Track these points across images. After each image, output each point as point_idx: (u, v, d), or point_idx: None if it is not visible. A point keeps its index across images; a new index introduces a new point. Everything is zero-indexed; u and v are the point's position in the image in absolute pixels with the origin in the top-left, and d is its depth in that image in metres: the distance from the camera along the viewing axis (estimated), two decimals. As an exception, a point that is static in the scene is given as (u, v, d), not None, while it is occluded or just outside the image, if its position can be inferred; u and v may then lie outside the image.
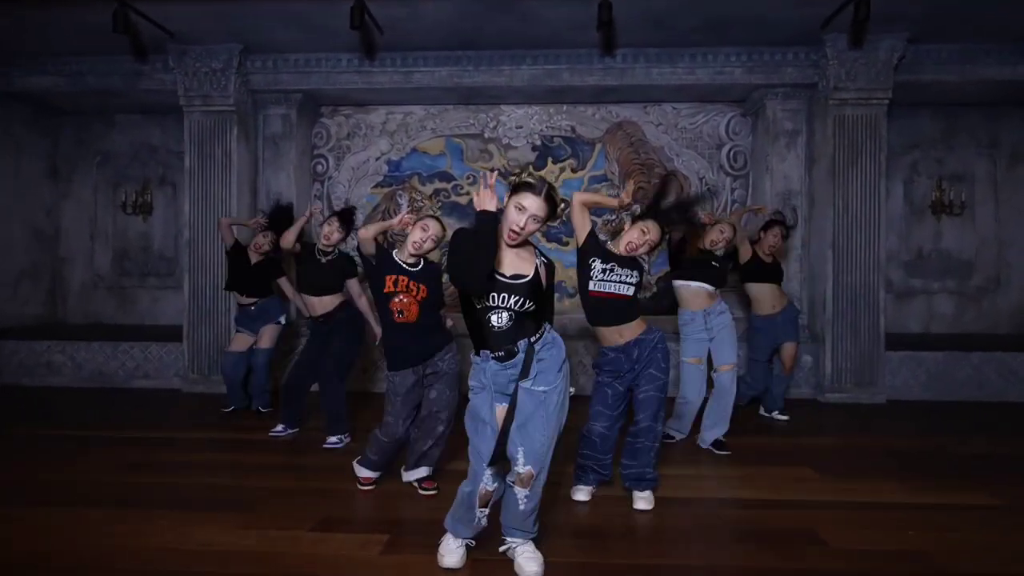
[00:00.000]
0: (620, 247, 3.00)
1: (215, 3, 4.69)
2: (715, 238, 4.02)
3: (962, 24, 4.95)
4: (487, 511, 2.30)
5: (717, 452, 3.85)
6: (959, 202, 6.09)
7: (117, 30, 4.49)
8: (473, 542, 2.40)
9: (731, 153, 6.10)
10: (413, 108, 6.21)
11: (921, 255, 6.25)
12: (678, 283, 4.05)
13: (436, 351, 3.07)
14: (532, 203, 2.19)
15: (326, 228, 4.05)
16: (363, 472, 3.21)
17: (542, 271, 2.29)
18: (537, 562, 2.26)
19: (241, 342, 4.79)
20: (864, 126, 5.28)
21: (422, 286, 3.03)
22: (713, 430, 3.94)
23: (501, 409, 2.25)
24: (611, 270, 2.92)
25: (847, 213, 5.29)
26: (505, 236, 2.24)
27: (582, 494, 3.05)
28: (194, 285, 5.59)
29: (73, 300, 6.71)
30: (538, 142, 6.11)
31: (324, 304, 4.04)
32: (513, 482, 2.23)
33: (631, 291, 2.94)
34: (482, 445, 2.24)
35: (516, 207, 2.20)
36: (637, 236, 2.97)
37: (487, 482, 2.24)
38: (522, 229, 2.20)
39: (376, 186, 6.28)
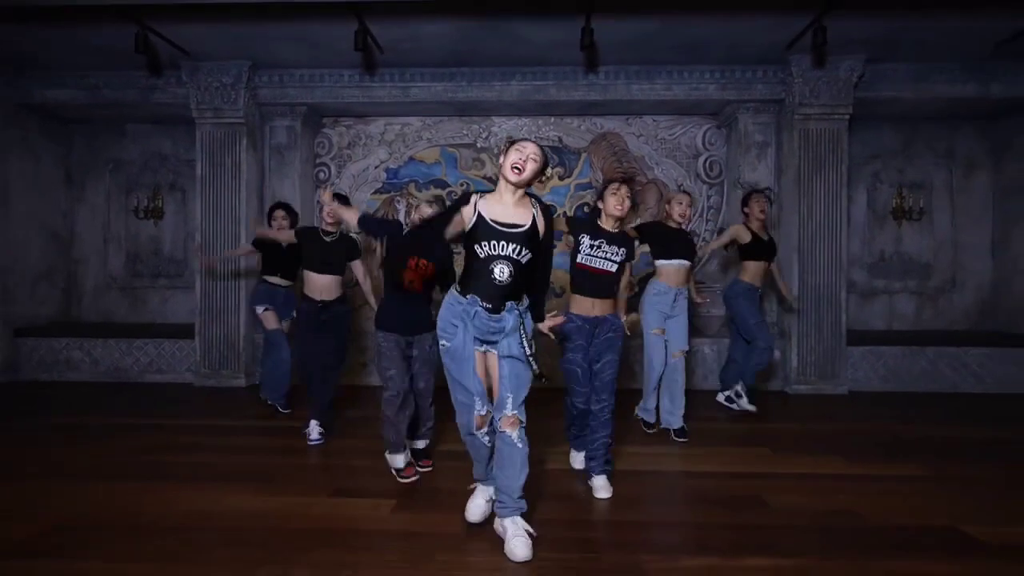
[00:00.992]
0: (607, 221, 3.28)
1: (227, 23, 5.07)
2: (683, 211, 4.20)
3: (915, 46, 5.40)
4: (486, 431, 2.57)
5: (677, 439, 4.16)
6: (918, 208, 6.56)
7: (138, 50, 4.90)
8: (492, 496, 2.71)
9: (707, 162, 6.54)
10: (410, 120, 6.62)
11: (883, 258, 6.72)
12: (660, 262, 4.27)
13: (423, 329, 3.39)
14: (530, 146, 2.50)
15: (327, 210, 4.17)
16: (396, 461, 3.36)
17: (539, 220, 2.54)
18: (526, 545, 2.41)
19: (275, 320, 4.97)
20: (827, 139, 5.74)
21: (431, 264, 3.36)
22: (676, 414, 4.24)
23: (479, 353, 2.55)
24: (598, 246, 3.23)
25: (811, 219, 5.74)
26: (508, 174, 2.48)
27: (579, 461, 3.48)
28: (205, 285, 5.98)
29: (87, 300, 7.07)
30: (527, 152, 6.51)
31: (327, 286, 4.15)
32: (502, 428, 2.48)
33: (615, 268, 3.23)
34: (467, 380, 2.51)
35: (516, 150, 2.49)
36: (613, 200, 3.24)
37: (479, 408, 2.53)
38: (523, 164, 2.46)
39: (375, 192, 6.68)
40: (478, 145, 6.61)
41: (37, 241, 6.61)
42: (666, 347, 4.24)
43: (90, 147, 7.02)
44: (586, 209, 6.36)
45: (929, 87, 5.81)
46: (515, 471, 2.50)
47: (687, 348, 4.32)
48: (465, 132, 6.63)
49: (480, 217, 2.49)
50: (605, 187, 3.31)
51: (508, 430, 2.48)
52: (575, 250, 3.29)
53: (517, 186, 2.51)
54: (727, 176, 6.47)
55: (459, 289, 2.56)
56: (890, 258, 6.71)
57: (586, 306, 3.26)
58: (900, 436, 4.34)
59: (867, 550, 2.52)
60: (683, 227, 4.29)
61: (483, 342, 2.55)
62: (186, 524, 2.75)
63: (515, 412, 2.49)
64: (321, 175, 6.70)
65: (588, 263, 3.24)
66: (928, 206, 6.64)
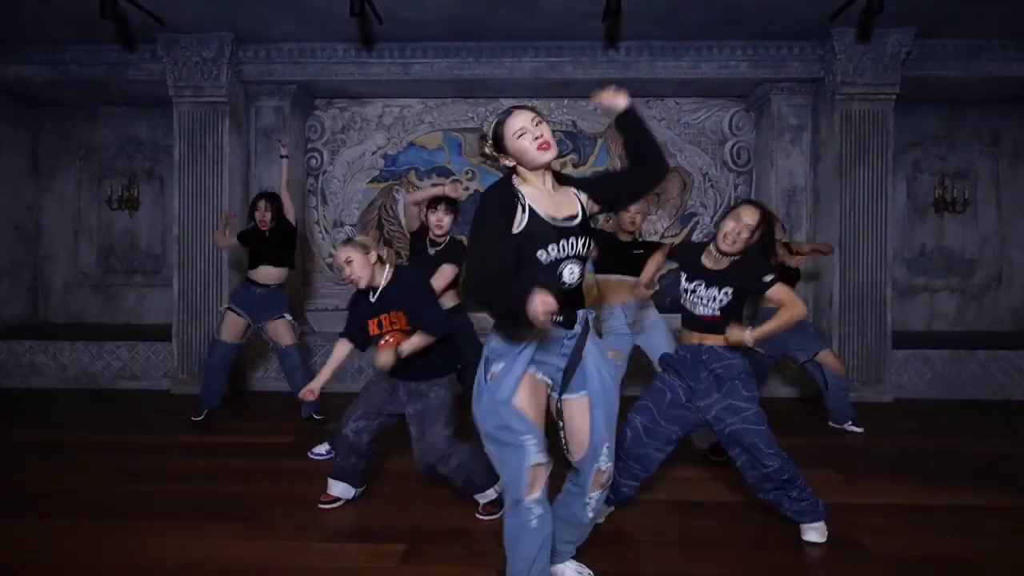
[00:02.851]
0: (709, 257, 2.58)
1: (206, -12, 4.52)
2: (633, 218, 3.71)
3: (967, 20, 4.90)
4: (539, 497, 1.83)
5: (713, 458, 3.59)
6: (962, 199, 6.07)
7: (104, 16, 4.29)
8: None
9: (734, 149, 6.02)
10: (410, 101, 6.06)
11: (924, 253, 6.22)
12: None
13: (422, 378, 2.79)
14: (526, 115, 1.88)
15: (434, 216, 3.63)
16: (332, 487, 2.94)
17: (582, 200, 1.99)
18: None
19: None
20: (871, 121, 5.22)
21: (394, 314, 2.76)
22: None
23: (530, 377, 1.90)
24: (692, 290, 2.56)
25: (854, 210, 5.22)
26: (537, 158, 1.86)
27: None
28: (184, 283, 5.38)
29: (56, 299, 6.47)
30: (538, 137, 5.98)
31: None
32: (592, 491, 1.98)
33: (717, 313, 2.50)
34: (515, 422, 1.82)
35: (520, 133, 1.86)
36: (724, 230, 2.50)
37: (534, 456, 1.80)
38: (542, 135, 1.86)
39: (372, 181, 6.11)
40: (485, 129, 6.04)
41: (3, 236, 6.00)
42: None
43: (59, 131, 6.41)
44: None
45: (980, 65, 5.30)
46: (582, 531, 2.12)
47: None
48: (471, 115, 6.07)
49: (533, 215, 1.86)
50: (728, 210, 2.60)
51: (594, 492, 1.98)
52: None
53: (551, 164, 1.93)
54: (756, 164, 5.95)
55: None
56: (931, 253, 6.21)
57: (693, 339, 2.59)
58: (978, 455, 3.81)
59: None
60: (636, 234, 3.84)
61: (541, 367, 1.92)
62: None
63: (609, 465, 1.96)
64: (313, 162, 6.12)
65: (685, 304, 2.60)
66: (972, 197, 6.13)
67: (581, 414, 1.94)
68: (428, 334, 2.67)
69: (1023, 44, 5.26)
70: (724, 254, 2.48)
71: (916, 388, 5.41)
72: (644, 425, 2.51)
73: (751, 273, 2.46)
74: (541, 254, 1.84)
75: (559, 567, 2.16)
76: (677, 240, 5.90)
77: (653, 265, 2.86)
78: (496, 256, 1.77)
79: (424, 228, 3.72)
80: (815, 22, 4.90)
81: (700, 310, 2.50)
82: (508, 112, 1.92)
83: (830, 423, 4.44)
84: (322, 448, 3.65)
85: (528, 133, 1.86)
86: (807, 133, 5.60)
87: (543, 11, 4.78)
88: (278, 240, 4.36)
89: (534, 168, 1.90)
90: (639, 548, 2.50)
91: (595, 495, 1.99)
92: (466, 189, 5.99)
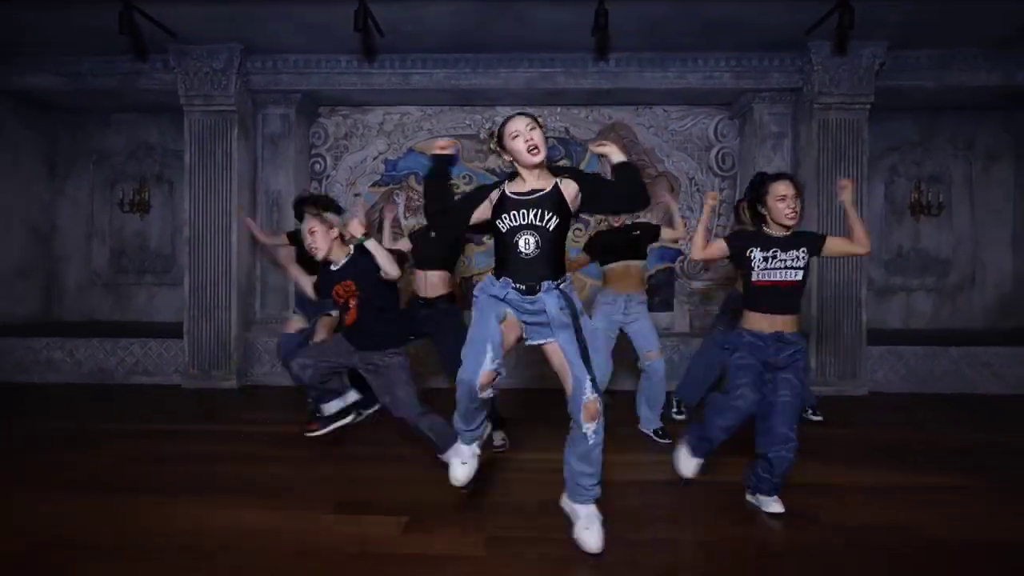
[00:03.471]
0: (774, 228, 2.81)
1: (218, 4, 4.77)
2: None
3: (938, 32, 5.17)
4: (489, 392, 2.32)
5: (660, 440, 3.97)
6: (937, 203, 6.35)
7: (122, 31, 4.56)
8: (479, 450, 2.60)
9: (719, 155, 6.30)
10: (410, 109, 6.33)
11: (901, 254, 6.50)
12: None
13: (374, 348, 3.15)
14: (521, 121, 2.35)
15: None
16: (324, 410, 3.35)
17: (563, 188, 2.37)
18: (598, 537, 2.36)
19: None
20: (847, 130, 5.50)
21: (346, 283, 3.12)
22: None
23: (509, 322, 2.38)
24: (773, 256, 2.77)
25: (830, 213, 5.50)
26: (528, 159, 2.32)
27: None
28: (194, 282, 5.65)
29: (69, 298, 6.73)
30: (532, 143, 6.25)
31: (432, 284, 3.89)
32: (583, 420, 2.29)
33: (801, 275, 2.77)
34: (485, 328, 2.33)
35: (514, 135, 2.33)
36: (782, 206, 2.75)
37: (488, 363, 2.26)
38: (534, 139, 2.31)
39: (373, 185, 6.38)
40: (481, 135, 6.32)
41: (15, 236, 6.26)
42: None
43: (73, 137, 6.68)
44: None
45: (952, 76, 5.58)
46: (592, 465, 2.38)
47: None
48: (468, 122, 6.35)
49: (503, 194, 2.41)
50: (762, 189, 2.83)
51: (587, 423, 2.30)
52: (746, 272, 2.85)
53: (542, 165, 2.39)
54: (740, 169, 6.23)
55: (494, 274, 2.45)
56: (908, 254, 6.50)
57: (764, 324, 2.81)
58: (938, 442, 4.09)
59: (941, 571, 2.27)
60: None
61: (522, 321, 2.41)
62: (176, 544, 2.47)
63: (595, 396, 2.30)
64: (316, 166, 6.39)
65: (767, 278, 2.77)
66: (947, 200, 6.42)
67: (555, 355, 2.39)
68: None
69: (993, 54, 5.53)
70: (787, 227, 2.78)
71: (891, 383, 5.68)
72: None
73: (807, 235, 2.84)
74: (499, 223, 2.37)
75: (578, 507, 2.45)
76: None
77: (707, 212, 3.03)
78: (453, 200, 2.58)
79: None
80: (794, 35, 5.17)
81: (783, 275, 2.75)
82: (511, 116, 2.37)
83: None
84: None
85: (521, 136, 2.31)
86: (788, 140, 5.87)
87: (536, 25, 5.05)
88: None
89: (525, 167, 2.36)
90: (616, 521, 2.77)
91: (590, 426, 2.30)
92: (462, 192, 6.25)
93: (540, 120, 2.39)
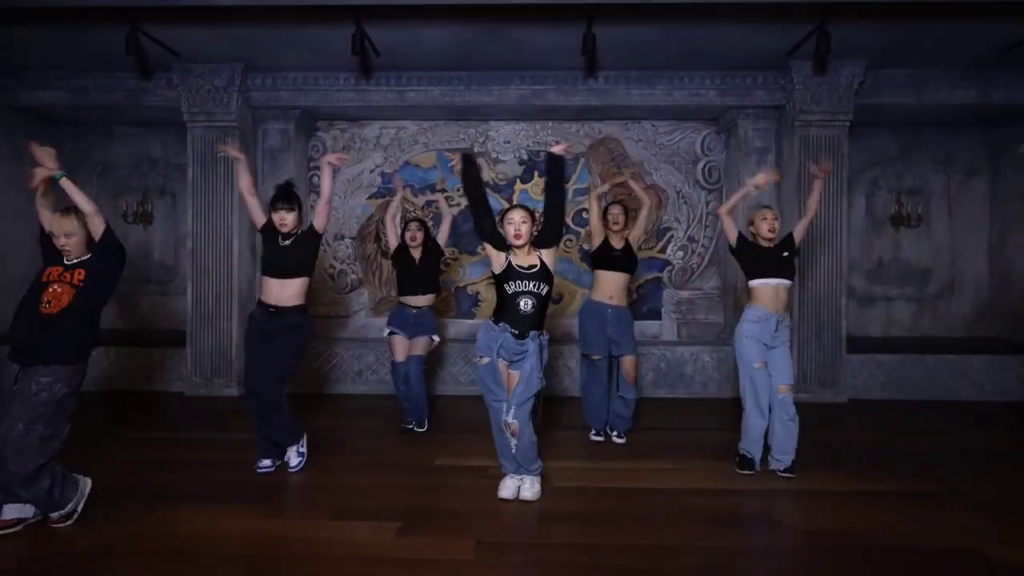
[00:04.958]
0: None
1: (220, 25, 4.95)
2: (771, 227, 3.81)
3: (915, 52, 5.37)
4: (516, 442, 3.11)
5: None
6: (916, 214, 6.55)
7: (129, 52, 4.76)
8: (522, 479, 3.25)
9: (706, 168, 6.50)
10: (406, 123, 6.52)
11: (882, 264, 6.70)
12: (755, 282, 3.81)
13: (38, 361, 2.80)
14: (517, 213, 3.16)
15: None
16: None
17: (544, 257, 3.18)
18: (534, 492, 3.22)
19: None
20: (827, 146, 5.70)
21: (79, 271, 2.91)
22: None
23: (513, 374, 3.16)
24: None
25: (811, 226, 5.66)
26: (513, 241, 3.16)
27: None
28: (197, 292, 5.84)
29: (74, 306, 6.89)
30: (525, 156, 6.46)
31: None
32: (510, 432, 3.11)
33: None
34: (499, 389, 3.16)
35: (508, 223, 3.16)
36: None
37: (506, 415, 3.10)
38: (519, 231, 3.12)
39: (370, 197, 6.57)
40: (475, 149, 6.51)
41: (23, 246, 6.43)
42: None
43: (77, 150, 6.85)
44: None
45: (930, 94, 5.77)
46: (528, 455, 3.22)
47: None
48: (462, 136, 6.54)
49: (509, 263, 3.17)
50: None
51: (512, 438, 3.14)
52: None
53: (523, 247, 3.19)
54: (726, 182, 6.43)
55: (493, 319, 3.20)
56: (888, 264, 6.70)
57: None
58: (905, 448, 4.31)
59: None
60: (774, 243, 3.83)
61: (511, 360, 3.19)
62: (176, 550, 2.66)
63: (515, 420, 3.09)
64: (315, 179, 6.57)
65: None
66: (926, 212, 6.63)
67: (513, 378, 3.19)
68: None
69: (970, 73, 5.73)
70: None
71: (870, 390, 5.89)
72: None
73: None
74: (507, 286, 3.17)
75: (526, 480, 3.26)
76: (655, 251, 6.40)
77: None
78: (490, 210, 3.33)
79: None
80: (776, 56, 5.38)
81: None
82: (514, 206, 3.20)
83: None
84: (267, 462, 3.74)
85: (513, 225, 3.12)
86: (771, 155, 6.07)
87: (528, 47, 5.24)
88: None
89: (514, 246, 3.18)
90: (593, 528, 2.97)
91: (513, 440, 3.13)
92: (456, 204, 6.44)
93: (536, 214, 3.22)
